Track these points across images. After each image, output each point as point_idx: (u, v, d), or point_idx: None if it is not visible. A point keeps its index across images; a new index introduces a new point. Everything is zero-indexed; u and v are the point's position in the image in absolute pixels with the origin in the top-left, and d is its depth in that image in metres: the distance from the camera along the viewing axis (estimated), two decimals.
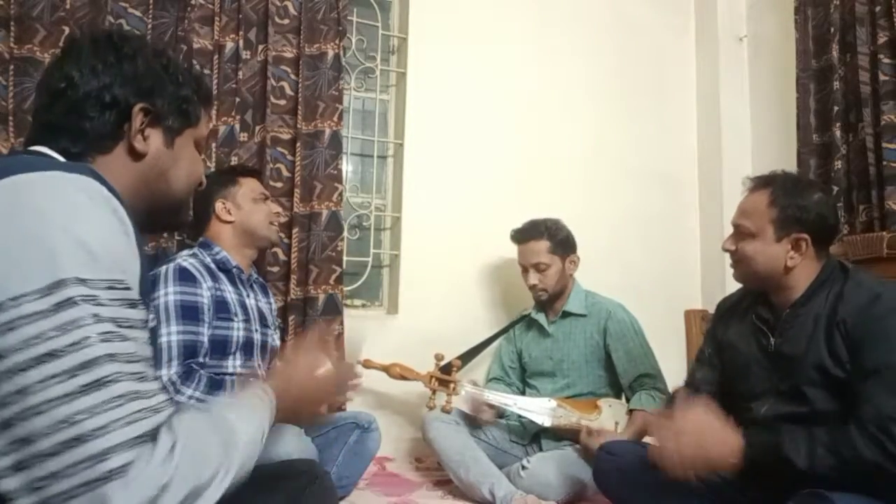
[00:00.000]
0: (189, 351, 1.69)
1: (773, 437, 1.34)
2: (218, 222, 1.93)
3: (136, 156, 0.85)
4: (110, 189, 0.72)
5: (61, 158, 0.80)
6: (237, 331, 1.82)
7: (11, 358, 0.59)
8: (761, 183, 1.51)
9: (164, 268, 1.76)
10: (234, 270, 1.90)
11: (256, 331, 1.90)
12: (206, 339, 1.74)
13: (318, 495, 1.00)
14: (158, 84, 0.87)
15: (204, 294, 1.77)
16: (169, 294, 1.71)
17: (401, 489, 2.14)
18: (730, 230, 1.58)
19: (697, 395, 1.63)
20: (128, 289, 0.67)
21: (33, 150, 0.81)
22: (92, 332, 0.62)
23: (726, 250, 1.55)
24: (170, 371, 1.64)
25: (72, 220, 0.65)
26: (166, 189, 0.89)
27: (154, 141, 0.86)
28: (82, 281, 0.63)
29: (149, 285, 0.81)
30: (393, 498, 2.03)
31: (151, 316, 1.71)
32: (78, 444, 0.58)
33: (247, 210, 1.95)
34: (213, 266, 1.86)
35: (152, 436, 0.62)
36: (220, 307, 1.80)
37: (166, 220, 0.97)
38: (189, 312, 1.72)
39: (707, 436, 1.33)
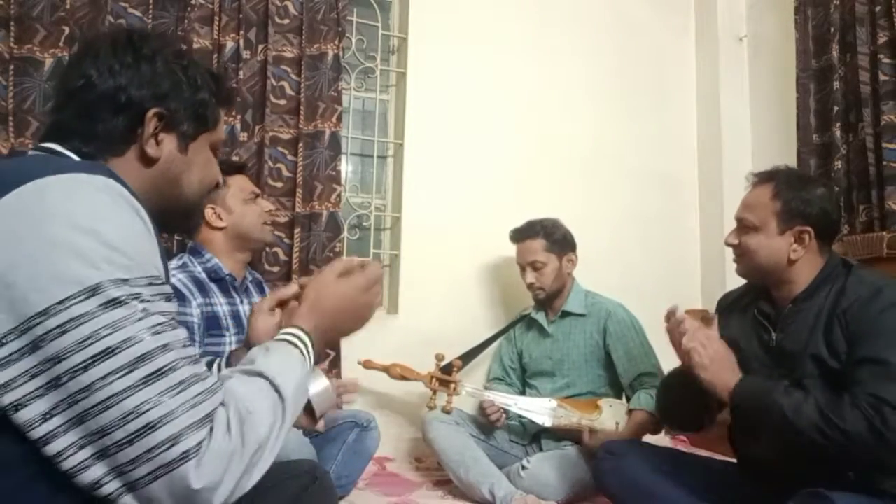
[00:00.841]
0: None
1: (766, 384, 1.37)
2: (208, 228, 1.84)
3: (148, 160, 0.85)
4: (129, 189, 0.73)
5: (76, 157, 0.80)
6: (228, 346, 1.77)
7: (70, 359, 0.62)
8: (765, 177, 1.52)
9: None
10: (227, 279, 1.84)
11: None
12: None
13: (317, 495, 1.00)
14: (175, 88, 0.85)
15: (193, 313, 1.71)
16: None
17: (401, 489, 2.14)
18: (730, 229, 1.58)
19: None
20: (164, 283, 0.71)
21: (46, 146, 0.81)
22: (143, 326, 0.65)
23: (729, 244, 1.55)
24: None
25: (98, 222, 0.66)
26: (178, 194, 0.89)
27: (167, 146, 0.86)
28: (124, 281, 0.65)
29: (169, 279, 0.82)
30: (393, 498, 2.03)
31: None
32: (150, 431, 0.62)
33: (238, 213, 1.86)
34: (203, 277, 1.79)
35: (213, 415, 0.66)
36: (211, 323, 1.75)
37: (177, 224, 0.97)
38: None
39: (722, 357, 1.42)
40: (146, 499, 0.63)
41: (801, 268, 1.46)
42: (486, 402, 2.19)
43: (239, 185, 1.91)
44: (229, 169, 1.93)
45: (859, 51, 2.43)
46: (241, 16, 2.36)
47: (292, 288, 1.00)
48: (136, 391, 0.63)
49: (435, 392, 2.25)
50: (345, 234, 2.56)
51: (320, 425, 1.71)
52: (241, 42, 2.36)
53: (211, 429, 0.65)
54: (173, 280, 1.71)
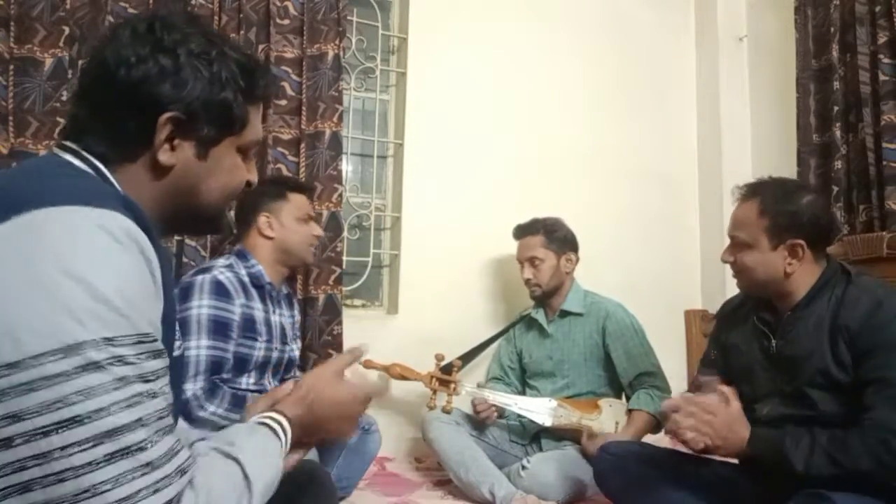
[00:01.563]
0: (216, 367, 1.69)
1: (776, 435, 1.35)
2: (258, 234, 1.89)
3: (162, 169, 0.77)
4: (138, 213, 0.68)
5: (88, 169, 0.74)
6: (258, 350, 1.82)
7: (32, 420, 0.56)
8: (749, 192, 1.50)
9: (200, 278, 1.73)
10: (267, 287, 1.88)
11: (276, 349, 1.89)
12: (231, 356, 1.74)
13: (318, 496, 1.00)
14: (196, 87, 0.76)
15: (236, 311, 1.76)
16: (203, 307, 1.69)
17: (401, 489, 2.14)
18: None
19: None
20: (154, 339, 0.65)
21: (65, 145, 0.76)
22: (118, 397, 0.59)
23: (725, 262, 1.55)
24: (195, 386, 1.64)
25: (92, 269, 0.60)
26: (196, 203, 0.81)
27: (183, 152, 0.77)
28: (108, 340, 0.59)
29: (173, 309, 0.77)
30: (393, 498, 2.03)
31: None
32: None
33: (289, 229, 1.91)
34: (246, 280, 1.84)
35: (182, 493, 0.62)
36: (248, 325, 1.79)
37: (199, 228, 0.93)
38: (220, 328, 1.71)
39: (724, 421, 1.37)
40: None
41: (800, 278, 1.45)
42: (478, 400, 2.20)
43: (298, 203, 1.95)
44: (296, 187, 2.00)
45: (859, 51, 2.43)
46: (241, 16, 2.36)
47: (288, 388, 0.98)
48: (96, 468, 0.57)
49: (435, 392, 2.25)
50: (345, 233, 2.55)
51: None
52: (242, 42, 2.36)
53: None
54: (221, 278, 1.75)
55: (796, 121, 2.68)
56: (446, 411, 2.20)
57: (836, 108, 2.50)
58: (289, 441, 0.82)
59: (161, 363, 0.65)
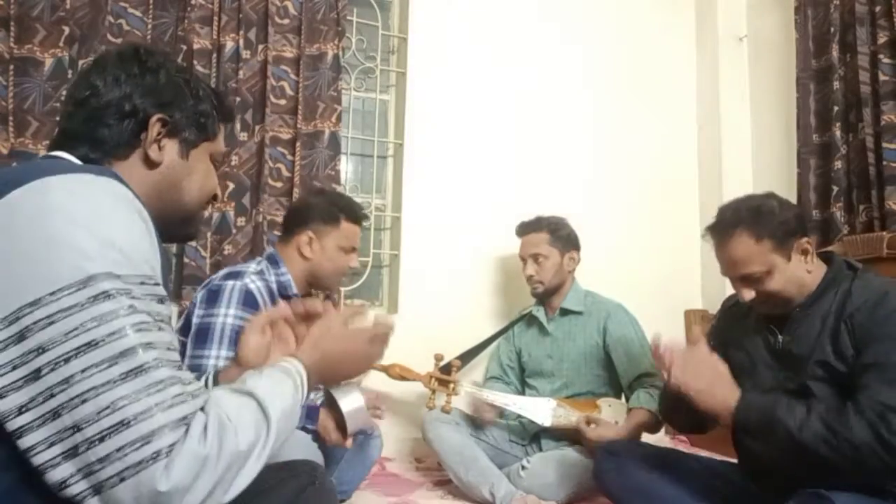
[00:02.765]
0: None
1: (768, 399, 1.35)
2: (295, 249, 1.83)
3: (151, 164, 0.87)
4: (132, 192, 0.74)
5: (80, 163, 0.81)
6: None
7: (54, 350, 0.62)
8: (729, 226, 1.46)
9: (231, 284, 1.68)
10: (293, 297, 1.81)
11: None
12: None
13: (317, 496, 1.00)
14: (178, 97, 0.89)
15: None
16: (228, 316, 1.64)
17: (401, 489, 2.14)
18: None
19: None
20: (157, 284, 0.70)
21: (53, 155, 0.84)
22: (128, 322, 0.64)
23: (747, 300, 1.47)
24: None
25: (97, 220, 0.67)
26: (178, 199, 0.91)
27: (169, 151, 0.89)
28: (116, 276, 0.65)
29: (167, 285, 0.81)
30: (393, 498, 2.03)
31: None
32: (123, 428, 0.61)
33: (328, 256, 1.84)
34: (274, 288, 1.79)
35: (194, 416, 0.65)
36: None
37: (176, 232, 0.96)
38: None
39: (715, 378, 1.39)
40: (111, 502, 0.61)
41: (812, 275, 1.45)
42: (478, 402, 2.19)
43: (348, 233, 1.89)
44: (352, 215, 1.90)
45: (859, 51, 2.43)
46: (241, 16, 2.36)
47: (285, 310, 1.01)
48: (113, 386, 0.62)
49: (434, 392, 2.25)
50: None
51: (349, 442, 1.70)
52: (241, 42, 2.36)
53: (186, 431, 0.64)
54: (251, 287, 1.70)
55: (796, 121, 2.68)
56: (446, 411, 2.20)
57: (836, 108, 2.50)
58: (306, 384, 0.85)
59: (164, 310, 0.70)
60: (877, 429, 1.20)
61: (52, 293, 0.63)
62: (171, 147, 0.89)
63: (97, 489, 0.61)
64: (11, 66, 2.08)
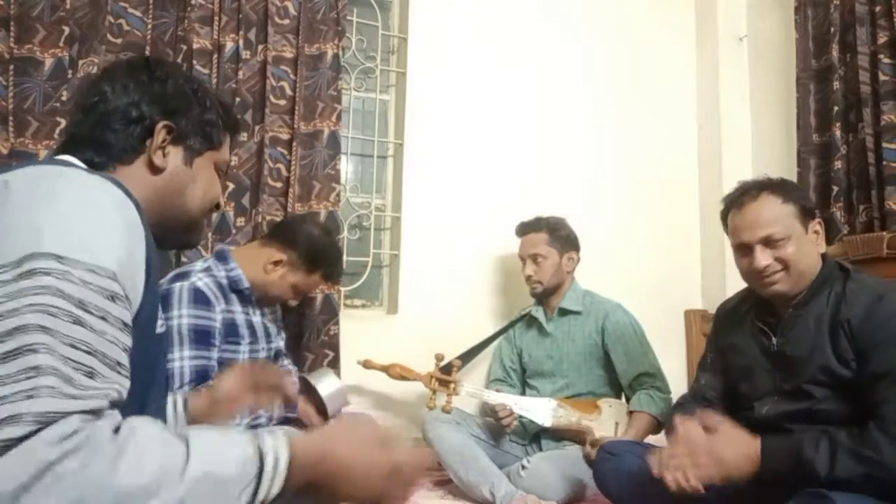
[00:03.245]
0: (201, 375, 1.68)
1: (791, 441, 1.30)
2: (264, 255, 1.85)
3: (155, 170, 0.88)
4: (133, 201, 0.75)
5: (83, 167, 0.82)
6: (243, 354, 1.81)
7: None
8: (757, 189, 1.46)
9: (178, 286, 1.70)
10: (246, 291, 1.85)
11: (262, 349, 1.89)
12: (215, 363, 1.73)
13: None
14: (185, 105, 0.91)
15: (216, 318, 1.73)
16: (183, 317, 1.67)
17: None
18: None
19: (703, 401, 1.63)
20: (113, 280, 0.65)
21: (59, 158, 0.84)
22: (38, 300, 0.58)
23: (765, 267, 1.42)
24: None
25: (77, 209, 0.67)
26: (181, 205, 0.92)
27: (173, 158, 0.90)
28: (58, 258, 0.62)
29: (154, 298, 0.79)
30: None
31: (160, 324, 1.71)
32: None
33: (282, 286, 1.86)
34: (225, 283, 1.80)
35: (61, 416, 0.54)
36: (230, 330, 1.78)
37: (177, 238, 0.97)
38: (202, 337, 1.69)
39: (721, 444, 1.31)
40: None
41: (815, 266, 1.45)
42: (499, 406, 2.18)
43: (311, 282, 1.92)
44: (327, 276, 1.96)
45: (859, 51, 2.43)
46: (240, 16, 2.36)
47: (275, 376, 1.03)
48: None
49: (434, 392, 2.25)
50: (345, 233, 2.55)
51: None
52: (241, 42, 2.36)
53: (39, 430, 0.52)
54: (199, 284, 1.72)
55: (796, 121, 2.68)
56: (446, 411, 2.20)
57: (836, 108, 2.49)
58: (278, 475, 0.64)
59: (114, 308, 0.64)
60: None
61: None
62: (175, 154, 0.90)
63: None
64: (11, 66, 2.08)
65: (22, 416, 0.52)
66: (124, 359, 0.64)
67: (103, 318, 0.62)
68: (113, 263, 0.66)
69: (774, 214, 1.42)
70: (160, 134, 0.88)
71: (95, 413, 0.56)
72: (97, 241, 0.66)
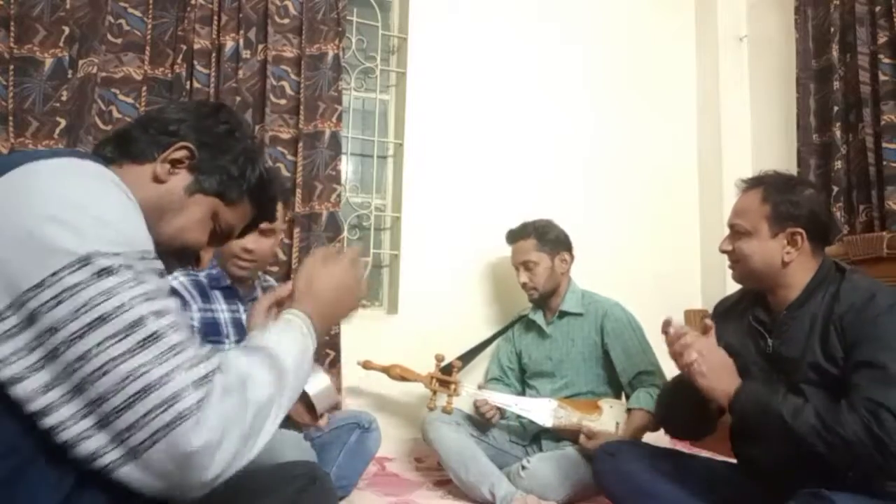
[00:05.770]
0: None
1: (769, 388, 1.37)
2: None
3: (156, 179, 0.87)
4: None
5: (67, 150, 0.85)
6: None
7: (66, 328, 0.63)
8: (753, 182, 1.54)
9: None
10: (225, 288, 1.80)
11: None
12: None
13: (317, 497, 1.00)
14: (219, 147, 0.91)
15: (193, 317, 1.69)
16: None
17: (401, 489, 2.14)
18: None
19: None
20: (156, 258, 0.72)
21: (55, 150, 0.89)
22: (135, 293, 0.66)
23: (723, 251, 1.56)
24: None
25: (89, 199, 0.69)
26: (154, 226, 0.84)
27: (178, 180, 0.88)
28: (116, 254, 0.66)
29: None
30: (393, 498, 2.03)
31: None
32: (147, 393, 0.63)
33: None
34: (204, 282, 1.77)
35: (213, 375, 0.67)
36: (210, 329, 1.73)
37: None
38: None
39: (721, 364, 1.42)
40: (146, 466, 0.63)
41: (796, 271, 1.46)
42: (480, 401, 2.19)
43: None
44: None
45: (859, 51, 2.43)
46: (241, 16, 2.36)
47: (288, 287, 1.00)
48: (131, 356, 0.63)
49: (435, 393, 2.25)
50: (345, 233, 2.56)
51: (322, 422, 1.70)
52: (241, 42, 2.36)
53: (209, 389, 0.65)
54: (174, 283, 1.70)
55: (796, 121, 2.68)
56: (446, 412, 2.20)
57: (836, 108, 2.49)
58: (312, 329, 0.88)
59: (165, 283, 0.71)
60: (868, 425, 1.21)
61: (54, 273, 0.63)
62: (182, 178, 0.88)
63: (132, 454, 0.63)
64: (11, 66, 2.08)
65: (190, 386, 0.64)
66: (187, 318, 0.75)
67: (165, 294, 0.70)
68: (147, 241, 0.72)
69: (747, 208, 1.51)
70: (177, 151, 0.87)
71: (218, 359, 0.70)
72: (128, 225, 0.71)
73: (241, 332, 1.79)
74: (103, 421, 0.63)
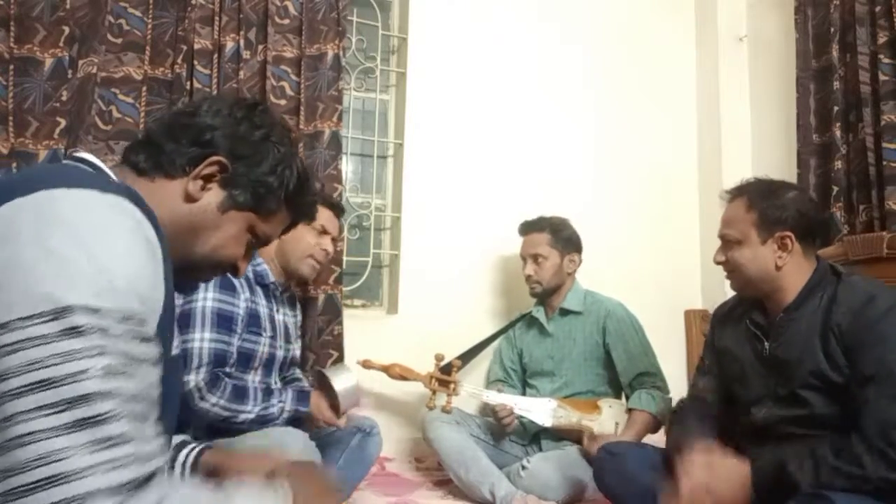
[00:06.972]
0: (219, 359, 1.69)
1: (777, 460, 1.34)
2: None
3: (188, 197, 0.83)
4: (147, 212, 0.70)
5: (106, 169, 0.79)
6: (263, 346, 1.83)
7: (9, 382, 0.56)
8: (736, 192, 1.55)
9: None
10: (271, 286, 1.89)
11: (280, 347, 1.91)
12: (235, 350, 1.74)
13: None
14: (255, 157, 0.86)
15: (240, 305, 1.76)
16: (207, 300, 1.70)
17: (401, 489, 2.14)
18: None
19: (702, 405, 1.64)
20: (143, 322, 0.65)
21: (79, 157, 0.80)
22: (93, 364, 0.58)
23: (717, 262, 1.57)
24: (198, 377, 1.65)
25: (97, 241, 0.63)
26: (189, 245, 0.84)
27: (211, 196, 0.84)
28: (94, 311, 0.60)
29: (172, 315, 0.77)
30: (393, 498, 2.03)
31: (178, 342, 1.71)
32: (55, 483, 0.55)
33: (294, 236, 1.79)
34: (251, 277, 1.84)
35: (138, 485, 0.58)
36: (253, 320, 1.81)
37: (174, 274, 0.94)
38: (224, 321, 1.71)
39: (717, 480, 1.34)
40: None
41: (790, 274, 1.46)
42: (499, 406, 2.19)
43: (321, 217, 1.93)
44: (324, 202, 1.97)
45: (859, 51, 2.43)
46: (241, 16, 2.36)
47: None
48: (57, 435, 0.55)
49: (434, 392, 2.25)
50: (345, 233, 2.55)
51: (342, 422, 1.70)
52: (241, 42, 2.36)
53: (122, 501, 0.57)
54: None
55: (796, 121, 2.68)
56: (446, 411, 2.20)
57: (836, 108, 2.49)
58: (290, 497, 0.79)
59: (148, 350, 0.64)
60: (885, 453, 1.22)
61: (25, 318, 0.57)
62: (215, 195, 0.84)
63: None
64: (11, 66, 2.08)
65: (104, 492, 0.56)
66: (157, 394, 0.66)
67: (142, 363, 0.63)
68: (138, 301, 0.64)
69: (734, 218, 1.52)
70: (209, 166, 0.83)
71: (156, 464, 0.62)
72: (126, 279, 0.63)
73: (275, 329, 1.88)
74: (5, 495, 0.55)
